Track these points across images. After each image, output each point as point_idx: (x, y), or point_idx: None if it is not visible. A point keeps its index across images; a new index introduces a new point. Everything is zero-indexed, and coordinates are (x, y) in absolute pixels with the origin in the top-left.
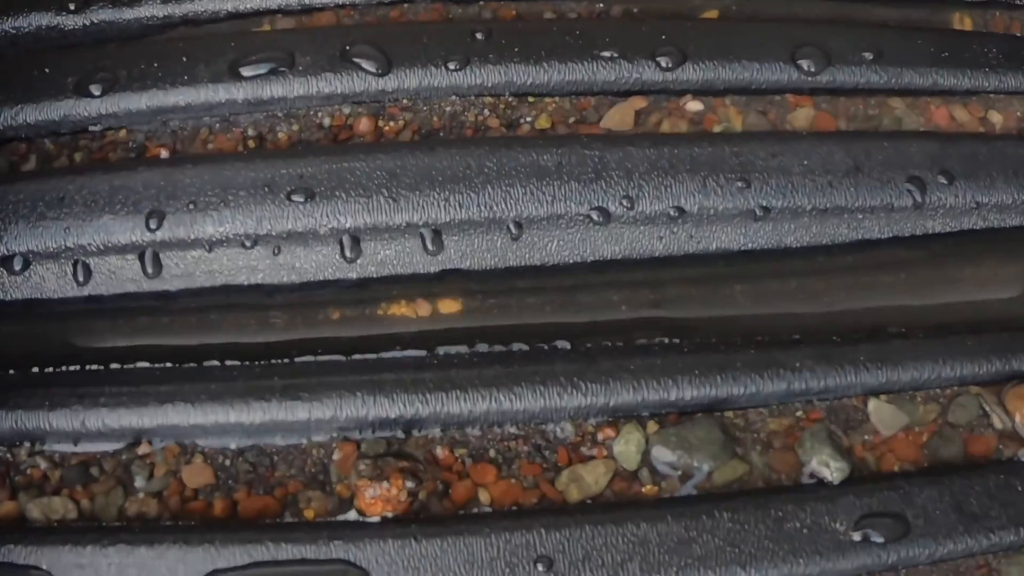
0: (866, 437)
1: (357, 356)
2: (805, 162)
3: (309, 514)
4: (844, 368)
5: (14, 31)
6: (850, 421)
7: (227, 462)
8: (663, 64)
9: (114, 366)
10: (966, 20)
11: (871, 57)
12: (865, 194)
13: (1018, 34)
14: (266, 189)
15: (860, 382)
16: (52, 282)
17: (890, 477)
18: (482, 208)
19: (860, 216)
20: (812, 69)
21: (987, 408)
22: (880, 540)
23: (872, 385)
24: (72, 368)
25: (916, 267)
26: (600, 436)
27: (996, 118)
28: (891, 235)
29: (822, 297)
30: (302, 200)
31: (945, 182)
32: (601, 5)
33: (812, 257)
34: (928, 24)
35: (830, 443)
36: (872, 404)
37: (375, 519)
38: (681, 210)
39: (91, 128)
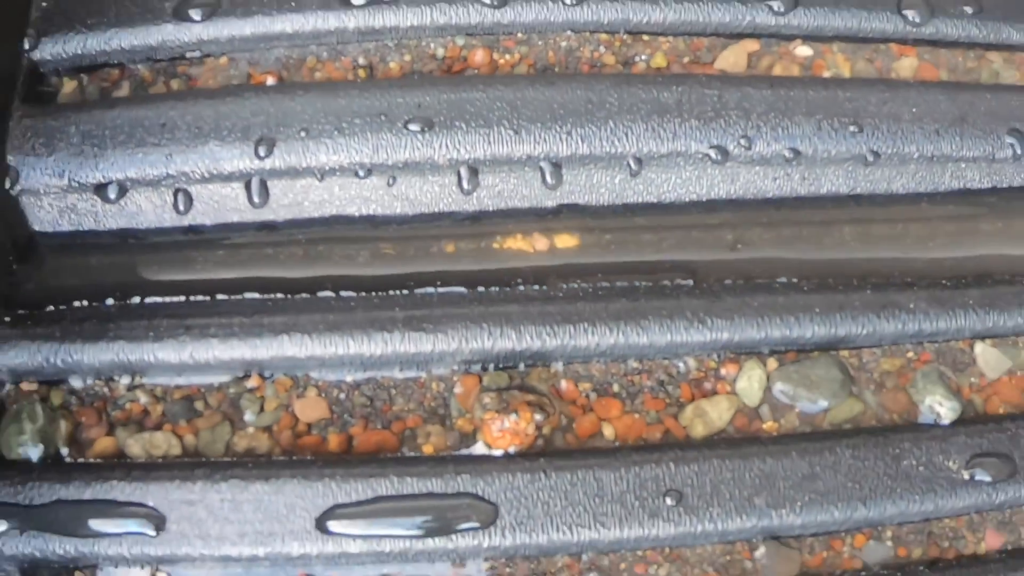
0: (973, 380)
1: (479, 288)
2: (914, 110)
3: (428, 449)
4: (955, 311)
5: None
6: (958, 364)
7: (342, 396)
8: (775, 8)
9: (221, 297)
10: None
11: (971, 11)
12: (969, 143)
13: None
14: (383, 117)
15: (969, 326)
16: (150, 211)
17: (997, 419)
18: (603, 143)
19: (963, 165)
20: (917, 20)
21: None
22: (988, 479)
23: (979, 329)
24: (177, 299)
25: (1015, 217)
26: (723, 371)
27: None
28: (991, 185)
29: (927, 243)
30: (419, 130)
31: None
32: None
33: (917, 204)
34: None
35: (942, 383)
36: (979, 348)
37: (500, 453)
38: (796, 152)
39: (188, 55)
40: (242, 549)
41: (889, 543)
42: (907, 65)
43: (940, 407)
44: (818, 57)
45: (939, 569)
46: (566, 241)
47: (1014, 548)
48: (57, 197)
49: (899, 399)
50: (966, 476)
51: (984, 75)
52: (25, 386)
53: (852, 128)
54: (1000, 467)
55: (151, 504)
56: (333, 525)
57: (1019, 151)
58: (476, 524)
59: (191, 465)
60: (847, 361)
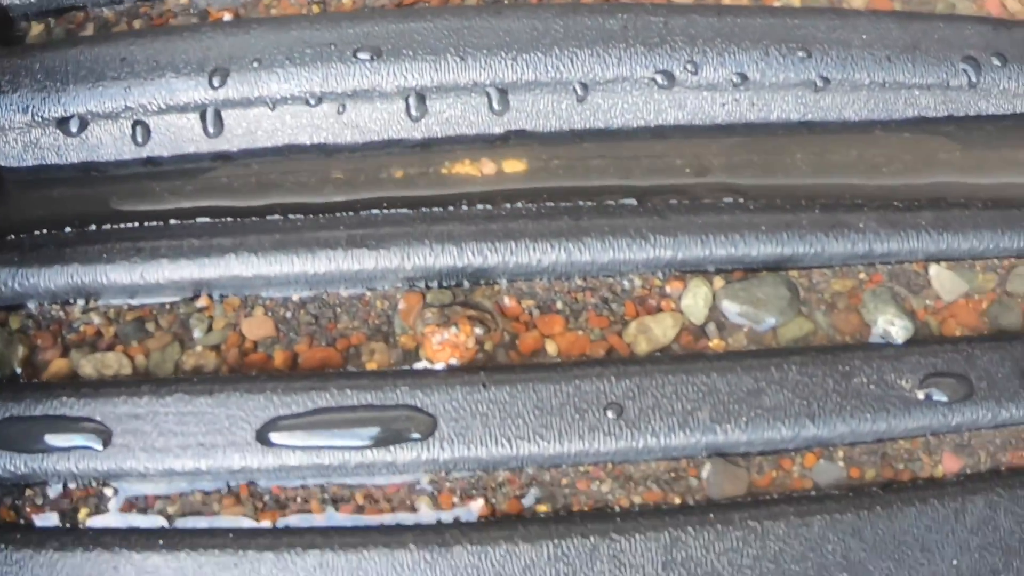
0: (928, 302)
1: (424, 209)
2: (864, 36)
3: (372, 366)
4: (907, 232)
5: None
6: (912, 286)
7: (288, 314)
8: None
9: (172, 222)
10: None
11: None
12: (922, 70)
13: None
14: (333, 47)
15: (922, 247)
16: (110, 144)
17: (953, 341)
18: (549, 69)
19: (917, 92)
20: None
21: None
22: (944, 399)
23: (932, 251)
24: (130, 224)
25: (972, 146)
26: (668, 289)
27: None
28: (947, 113)
29: (881, 169)
30: (368, 58)
31: (999, 64)
32: None
33: (871, 131)
34: None
35: (894, 303)
36: (933, 270)
37: (441, 366)
38: (744, 77)
39: None
40: (185, 462)
41: (841, 463)
42: None
43: (892, 327)
44: None
45: (893, 491)
46: (514, 166)
47: (973, 472)
48: (21, 132)
49: (850, 319)
50: (920, 396)
51: (940, 7)
52: None
53: (800, 54)
54: (956, 388)
55: (98, 419)
56: (274, 437)
57: (974, 79)
58: (415, 436)
59: (138, 381)
60: (797, 281)
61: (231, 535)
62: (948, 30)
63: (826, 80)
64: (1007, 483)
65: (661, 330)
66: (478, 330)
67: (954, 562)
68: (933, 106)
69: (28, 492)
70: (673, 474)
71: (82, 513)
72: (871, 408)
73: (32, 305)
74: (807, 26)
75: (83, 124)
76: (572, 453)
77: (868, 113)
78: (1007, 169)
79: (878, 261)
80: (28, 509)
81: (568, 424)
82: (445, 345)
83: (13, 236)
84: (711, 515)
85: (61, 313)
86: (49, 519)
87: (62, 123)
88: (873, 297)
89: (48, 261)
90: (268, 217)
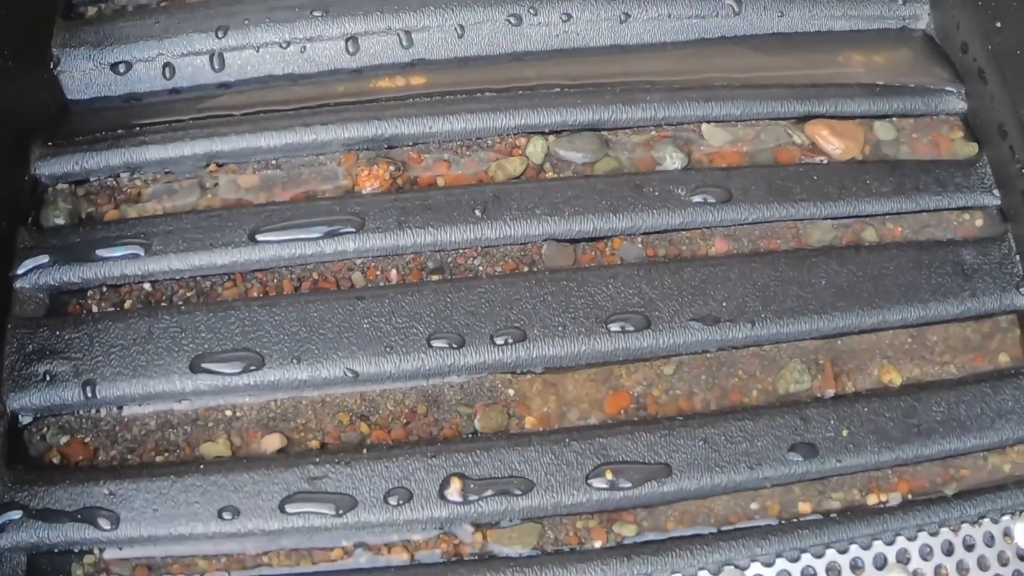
0: (702, 148)
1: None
2: None
3: (328, 197)
4: (681, 103)
5: None
6: (689, 139)
7: (268, 171)
8: None
9: (190, 121)
10: None
11: None
12: (699, 5)
13: None
14: (296, 9)
15: (695, 114)
16: (147, 79)
17: (719, 168)
18: (441, 20)
19: (695, 20)
20: None
21: (791, 133)
22: (713, 201)
23: (700, 116)
24: (161, 122)
25: (744, 56)
26: (517, 143)
27: None
28: (720, 35)
29: (671, 70)
30: (321, 15)
31: None
32: None
33: (665, 48)
34: None
35: (673, 145)
36: (704, 127)
37: (368, 190)
38: (569, 15)
39: None
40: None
41: (640, 245)
42: None
43: (670, 159)
44: None
45: (680, 261)
46: (418, 80)
47: (739, 253)
48: (84, 74)
49: (644, 160)
50: (696, 199)
51: None
52: None
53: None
54: (720, 194)
55: (143, 238)
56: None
57: (737, 9)
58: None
59: (168, 215)
60: (606, 137)
61: None
62: None
63: (627, 15)
64: (763, 258)
65: (512, 167)
66: (392, 168)
67: (723, 304)
68: (710, 30)
69: (89, 292)
70: (523, 252)
71: (127, 304)
72: (655, 206)
73: (93, 179)
74: None
75: (128, 66)
76: (452, 241)
77: (664, 37)
78: (757, 68)
79: (663, 124)
80: (89, 303)
81: (450, 220)
82: (371, 177)
83: (79, 138)
84: (547, 276)
85: (114, 182)
86: (105, 307)
87: (114, 66)
88: (660, 144)
89: (105, 148)
90: (253, 114)
